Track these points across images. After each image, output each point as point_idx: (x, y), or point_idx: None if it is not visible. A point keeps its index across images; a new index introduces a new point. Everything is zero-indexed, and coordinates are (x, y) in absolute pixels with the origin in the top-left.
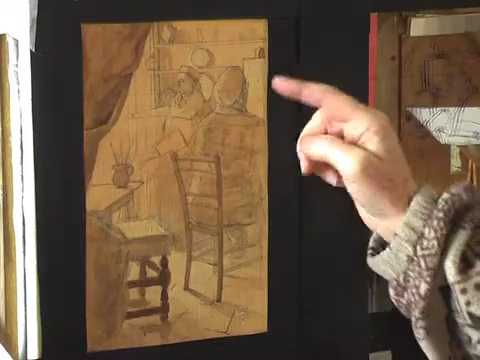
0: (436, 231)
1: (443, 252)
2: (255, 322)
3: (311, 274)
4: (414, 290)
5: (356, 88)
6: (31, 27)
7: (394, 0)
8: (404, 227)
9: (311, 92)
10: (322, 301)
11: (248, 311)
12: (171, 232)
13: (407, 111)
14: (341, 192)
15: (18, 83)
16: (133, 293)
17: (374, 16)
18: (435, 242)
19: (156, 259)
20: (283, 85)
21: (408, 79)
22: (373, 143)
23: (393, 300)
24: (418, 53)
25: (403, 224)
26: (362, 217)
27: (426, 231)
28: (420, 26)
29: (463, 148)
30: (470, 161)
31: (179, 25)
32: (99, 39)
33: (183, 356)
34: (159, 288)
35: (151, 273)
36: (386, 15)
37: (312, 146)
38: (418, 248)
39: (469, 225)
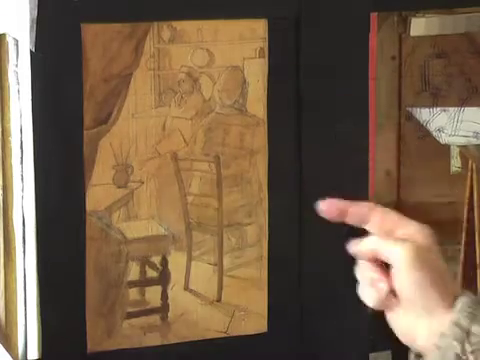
0: None
1: None
2: (255, 322)
3: (311, 274)
4: None
5: (356, 88)
6: (31, 27)
7: (394, 0)
8: (452, 325)
9: (358, 209)
10: (322, 301)
11: (248, 311)
12: (171, 232)
13: (407, 111)
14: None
15: (18, 83)
16: (133, 293)
17: (374, 16)
18: None
19: (156, 259)
20: (329, 206)
21: (408, 79)
22: (403, 274)
23: None
24: (418, 53)
25: (451, 323)
26: (398, 334)
27: (473, 328)
28: (420, 26)
29: (463, 148)
30: (470, 161)
31: (179, 25)
32: (99, 39)
33: (183, 356)
34: (159, 288)
35: (151, 273)
36: (386, 15)
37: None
38: (467, 345)
39: None
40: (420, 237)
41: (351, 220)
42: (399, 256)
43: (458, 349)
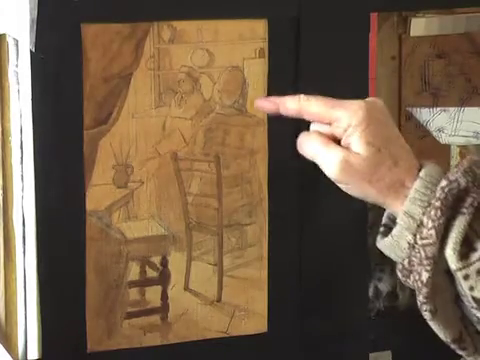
0: (433, 220)
1: (443, 239)
2: (255, 322)
3: (311, 274)
4: (417, 276)
5: (356, 88)
6: (31, 27)
7: (394, 0)
8: (403, 216)
9: (287, 108)
10: (322, 301)
11: (248, 311)
12: (171, 232)
13: (407, 111)
14: (341, 192)
15: (18, 83)
16: (133, 293)
17: (374, 16)
18: (433, 231)
19: (156, 259)
20: (262, 105)
21: (408, 79)
22: (354, 139)
23: (401, 280)
24: (418, 53)
25: (402, 212)
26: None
27: (425, 220)
28: (420, 26)
29: (463, 148)
30: None
31: (179, 25)
32: (99, 39)
33: (183, 356)
34: (159, 288)
35: (151, 273)
36: (386, 15)
37: (303, 147)
38: (418, 237)
39: (469, 210)
40: (352, 129)
41: (287, 115)
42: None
43: (411, 239)
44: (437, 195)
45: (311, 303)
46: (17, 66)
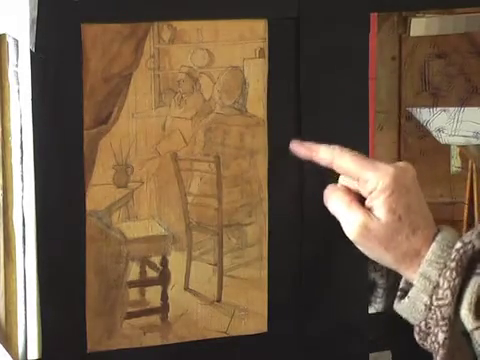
0: (449, 281)
1: (459, 300)
2: (255, 322)
3: (311, 274)
4: (433, 338)
5: (356, 88)
6: (31, 27)
7: (394, 0)
8: (420, 278)
9: (319, 157)
10: (322, 301)
11: (248, 311)
12: (171, 232)
13: (407, 111)
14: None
15: (18, 83)
16: (133, 293)
17: (374, 16)
18: (448, 292)
19: (156, 259)
20: (298, 149)
21: (408, 79)
22: (377, 204)
23: (419, 343)
24: (418, 53)
25: (419, 274)
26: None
27: (441, 281)
28: (420, 26)
29: (463, 148)
30: (470, 161)
31: (179, 25)
32: (99, 39)
33: (183, 356)
34: (159, 288)
35: (151, 273)
36: (386, 15)
37: (328, 201)
38: (434, 298)
39: None
40: (377, 192)
41: (319, 159)
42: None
43: (426, 301)
44: (452, 257)
45: (311, 303)
46: (17, 66)
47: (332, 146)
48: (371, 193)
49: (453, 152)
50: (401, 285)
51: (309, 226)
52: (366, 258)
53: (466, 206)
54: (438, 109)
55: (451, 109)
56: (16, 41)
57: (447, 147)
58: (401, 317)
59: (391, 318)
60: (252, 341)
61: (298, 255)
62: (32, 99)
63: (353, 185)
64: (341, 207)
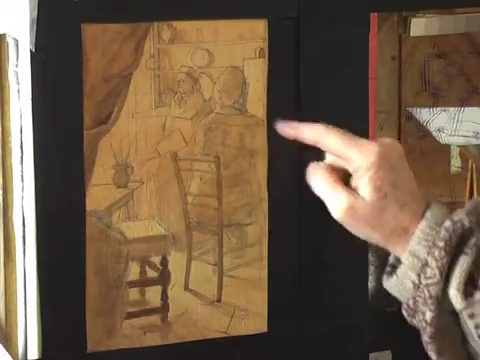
0: (437, 260)
1: (447, 279)
2: (255, 322)
3: (311, 274)
4: (421, 316)
5: (356, 88)
6: (31, 27)
7: (394, 0)
8: (408, 255)
9: (304, 136)
10: (322, 301)
11: (248, 311)
12: (171, 232)
13: (407, 111)
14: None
15: (18, 83)
16: (133, 293)
17: (374, 16)
18: (437, 271)
19: (156, 259)
20: (283, 129)
21: (408, 79)
22: (362, 182)
23: (407, 319)
24: (418, 53)
25: (407, 252)
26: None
27: (429, 259)
28: (420, 26)
29: (463, 148)
30: (470, 161)
31: (179, 25)
32: (99, 39)
33: (183, 356)
34: (159, 288)
35: (151, 273)
36: (386, 15)
37: (311, 181)
38: (422, 276)
39: (472, 250)
40: (362, 170)
41: (304, 138)
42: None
43: (415, 279)
44: (441, 235)
45: (311, 303)
46: (17, 66)
47: (317, 124)
48: (356, 171)
49: (453, 152)
50: (390, 261)
51: (309, 226)
52: (366, 258)
53: None
54: (438, 109)
55: (451, 109)
56: (16, 41)
57: (447, 147)
58: (401, 317)
59: (391, 318)
60: (252, 341)
61: (298, 255)
62: (32, 99)
63: (337, 163)
64: (325, 187)
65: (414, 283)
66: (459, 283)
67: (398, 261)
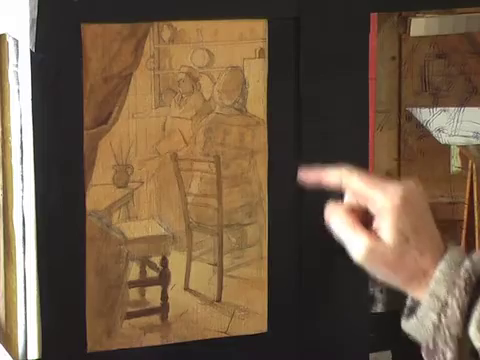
0: (458, 300)
1: (468, 319)
2: (255, 322)
3: (311, 274)
4: (441, 357)
5: (356, 88)
6: (31, 27)
7: (394, 0)
8: (428, 296)
9: (330, 180)
10: (322, 301)
11: (248, 311)
12: (171, 232)
13: (407, 111)
14: (341, 192)
15: (18, 83)
16: (133, 293)
17: (374, 16)
18: (457, 311)
19: (156, 259)
20: (306, 176)
21: (408, 79)
22: (384, 225)
23: None
24: (418, 53)
25: (428, 293)
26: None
27: (449, 299)
28: (420, 26)
29: (463, 148)
30: (470, 161)
31: (179, 25)
32: (99, 39)
33: (183, 356)
34: (159, 288)
35: (151, 273)
36: (386, 15)
37: (331, 221)
38: (442, 316)
39: None
40: (385, 213)
41: (328, 182)
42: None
43: (435, 319)
44: (461, 275)
45: (311, 303)
46: (17, 66)
47: (338, 168)
48: (379, 213)
49: (453, 152)
50: (408, 304)
51: (309, 226)
52: None
53: (466, 206)
54: (438, 109)
55: (451, 109)
56: (16, 41)
57: (447, 147)
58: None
59: (391, 318)
60: (252, 341)
61: (298, 255)
62: (32, 99)
63: (356, 203)
64: (345, 229)
65: (434, 324)
66: (479, 322)
67: (416, 303)
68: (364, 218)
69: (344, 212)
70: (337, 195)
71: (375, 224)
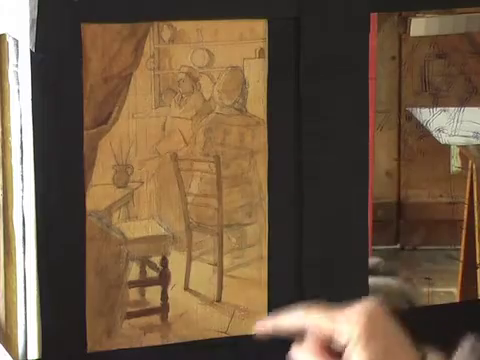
0: None
1: None
2: (255, 322)
3: (311, 274)
4: None
5: (356, 88)
6: (31, 27)
7: (394, 0)
8: None
9: (287, 325)
10: (322, 301)
11: (248, 311)
12: (171, 232)
13: (407, 111)
14: (341, 192)
15: (18, 83)
16: (133, 293)
17: (374, 16)
18: None
19: (156, 259)
20: (263, 327)
21: (408, 79)
22: (354, 356)
23: None
24: (418, 53)
25: None
26: None
27: None
28: (420, 26)
29: (463, 148)
30: (470, 161)
31: (179, 25)
32: (99, 39)
33: (183, 356)
34: (159, 288)
35: (151, 273)
36: (386, 15)
37: (305, 318)
38: None
39: None
40: (352, 345)
41: (288, 327)
42: (350, 334)
43: None
44: None
45: (311, 303)
46: (17, 66)
47: (292, 312)
48: (347, 345)
49: (453, 152)
50: None
51: (309, 226)
52: (366, 257)
53: (466, 206)
54: (438, 109)
55: (451, 109)
56: (16, 41)
57: (447, 147)
58: (401, 317)
59: None
60: (252, 341)
61: (298, 255)
62: (32, 99)
63: (320, 335)
64: (328, 319)
65: None
66: None
67: None
68: (331, 351)
69: (310, 351)
70: (336, 193)
71: (345, 356)
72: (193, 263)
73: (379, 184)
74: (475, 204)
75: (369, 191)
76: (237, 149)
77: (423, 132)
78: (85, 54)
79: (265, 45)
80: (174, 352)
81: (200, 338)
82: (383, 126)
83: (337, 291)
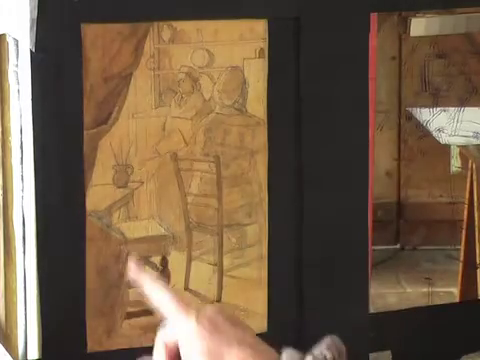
0: None
1: None
2: (255, 322)
3: (311, 274)
4: None
5: (356, 88)
6: (31, 27)
7: (394, 0)
8: None
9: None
10: (322, 301)
11: (248, 311)
12: (171, 232)
13: (407, 111)
14: (341, 192)
15: (18, 83)
16: (133, 293)
17: (374, 16)
18: None
19: (156, 259)
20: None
21: (408, 79)
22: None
23: None
24: (418, 53)
25: None
26: None
27: None
28: (420, 26)
29: (463, 148)
30: (470, 161)
31: (179, 25)
32: (99, 39)
33: None
34: None
35: (151, 273)
36: (386, 15)
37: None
38: None
39: None
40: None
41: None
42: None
43: None
44: None
45: (311, 303)
46: (17, 66)
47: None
48: (182, 353)
49: (453, 152)
50: None
51: (309, 226)
52: (366, 257)
53: (466, 206)
54: (438, 109)
55: (451, 109)
56: (16, 41)
57: (447, 147)
58: (401, 317)
59: (391, 318)
60: None
61: (298, 255)
62: (32, 99)
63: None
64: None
65: None
66: None
67: None
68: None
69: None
70: (336, 193)
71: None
72: (193, 263)
73: (379, 184)
74: (475, 204)
75: (369, 191)
76: (237, 149)
77: (423, 132)
78: (85, 54)
79: (265, 45)
80: None
81: None
82: (383, 126)
83: (337, 291)
